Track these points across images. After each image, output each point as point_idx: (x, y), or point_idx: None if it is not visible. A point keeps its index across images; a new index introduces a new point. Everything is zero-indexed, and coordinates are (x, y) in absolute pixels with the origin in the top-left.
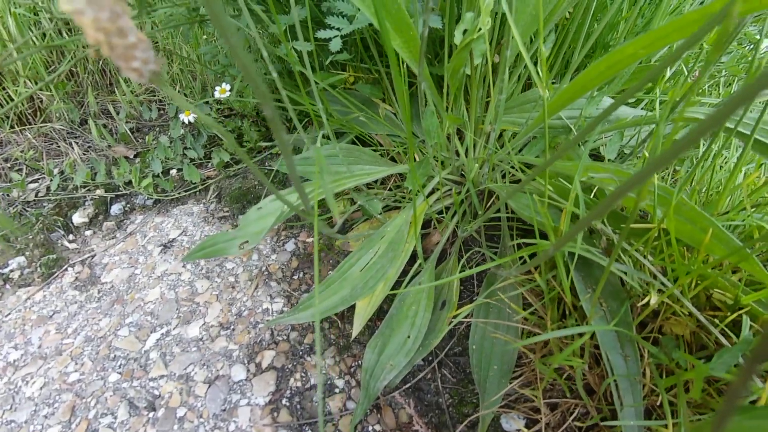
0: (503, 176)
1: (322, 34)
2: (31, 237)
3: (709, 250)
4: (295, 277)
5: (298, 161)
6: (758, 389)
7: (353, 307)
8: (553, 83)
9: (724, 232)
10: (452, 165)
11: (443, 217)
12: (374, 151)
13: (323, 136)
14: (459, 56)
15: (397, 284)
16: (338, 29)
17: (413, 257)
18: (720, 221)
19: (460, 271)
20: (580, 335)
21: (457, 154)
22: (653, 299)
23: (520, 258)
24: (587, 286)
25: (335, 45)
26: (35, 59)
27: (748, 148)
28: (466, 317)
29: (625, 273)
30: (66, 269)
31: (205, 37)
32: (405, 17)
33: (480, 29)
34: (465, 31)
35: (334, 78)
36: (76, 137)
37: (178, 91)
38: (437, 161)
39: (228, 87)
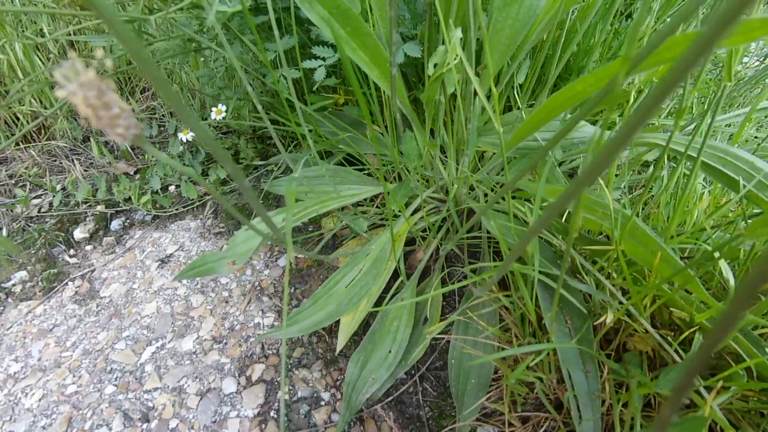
0: (485, 195)
1: (307, 64)
2: (33, 252)
3: (659, 271)
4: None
5: (288, 182)
6: (703, 402)
7: (339, 321)
8: (530, 105)
9: (670, 255)
10: (437, 184)
11: (427, 234)
12: (361, 170)
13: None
14: (431, 87)
15: (381, 300)
16: (323, 59)
17: (398, 273)
18: (674, 243)
19: (443, 288)
20: (545, 351)
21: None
22: (609, 317)
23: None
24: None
25: (320, 74)
26: (40, 79)
27: (696, 171)
28: (446, 333)
29: (584, 293)
30: (66, 283)
31: (203, 59)
32: (381, 52)
33: (449, 63)
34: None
35: (323, 102)
36: (78, 154)
37: None
38: (423, 180)
39: (223, 108)
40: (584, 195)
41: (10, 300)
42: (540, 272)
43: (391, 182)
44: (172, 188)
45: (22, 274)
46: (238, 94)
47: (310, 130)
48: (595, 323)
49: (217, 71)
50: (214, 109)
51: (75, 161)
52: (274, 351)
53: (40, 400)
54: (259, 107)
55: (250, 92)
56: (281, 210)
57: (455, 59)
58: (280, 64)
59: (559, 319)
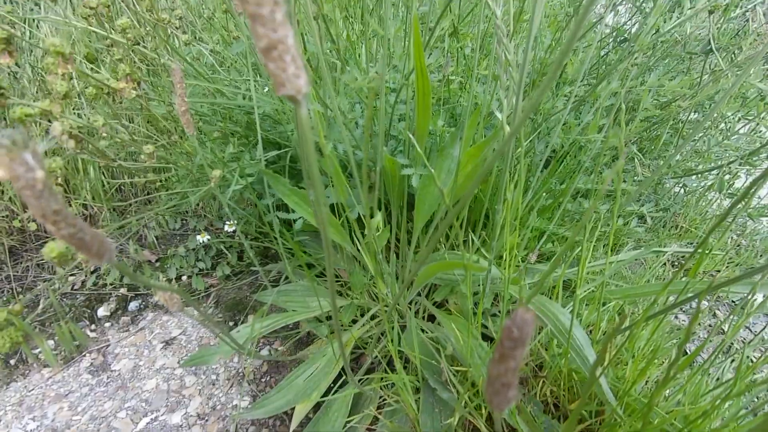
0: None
1: (292, 215)
2: (62, 324)
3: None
4: (263, 380)
5: (277, 293)
6: None
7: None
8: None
9: (482, 374)
10: (384, 301)
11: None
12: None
13: (287, 275)
14: (365, 244)
15: (329, 392)
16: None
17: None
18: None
19: (382, 387)
20: None
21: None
22: (456, 419)
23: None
24: (435, 406)
25: (298, 225)
26: (96, 181)
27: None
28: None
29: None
30: (84, 355)
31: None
32: (341, 229)
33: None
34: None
35: (311, 229)
36: (114, 243)
37: (202, 207)
38: (375, 297)
39: (235, 222)
40: (456, 334)
41: (35, 365)
42: (424, 381)
43: (356, 297)
44: (184, 278)
45: (50, 343)
46: (244, 215)
47: (292, 253)
48: (459, 422)
49: (232, 197)
50: (227, 222)
51: None
52: (245, 430)
53: None
54: (247, 244)
55: (247, 249)
56: (253, 322)
57: (378, 231)
58: (278, 208)
59: (436, 418)
